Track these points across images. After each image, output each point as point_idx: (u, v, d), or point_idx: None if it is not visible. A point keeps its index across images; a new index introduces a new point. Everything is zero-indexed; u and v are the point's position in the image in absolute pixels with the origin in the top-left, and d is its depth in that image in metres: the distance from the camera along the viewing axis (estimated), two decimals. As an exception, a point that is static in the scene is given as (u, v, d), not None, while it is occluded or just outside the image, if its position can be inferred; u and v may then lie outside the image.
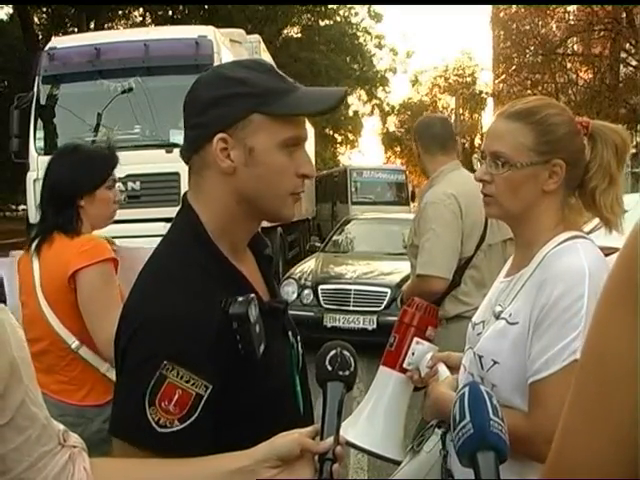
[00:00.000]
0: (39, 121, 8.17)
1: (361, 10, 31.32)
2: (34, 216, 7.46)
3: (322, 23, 28.74)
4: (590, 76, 22.51)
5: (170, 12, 23.78)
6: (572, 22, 21.84)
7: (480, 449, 0.86)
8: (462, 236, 2.96)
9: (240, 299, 1.10)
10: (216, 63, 7.75)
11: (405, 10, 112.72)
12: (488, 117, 41.55)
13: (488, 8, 29.43)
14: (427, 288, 2.91)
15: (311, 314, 7.10)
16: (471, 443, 0.87)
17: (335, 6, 28.65)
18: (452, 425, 0.92)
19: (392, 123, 47.84)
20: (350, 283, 7.38)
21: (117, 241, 2.37)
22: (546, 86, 23.34)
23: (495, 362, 1.36)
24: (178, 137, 7.78)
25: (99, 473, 0.92)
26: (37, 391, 0.82)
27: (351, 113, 37.72)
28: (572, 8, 22.04)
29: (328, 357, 1.09)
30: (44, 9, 22.90)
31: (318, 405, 1.13)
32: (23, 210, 15.47)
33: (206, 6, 22.56)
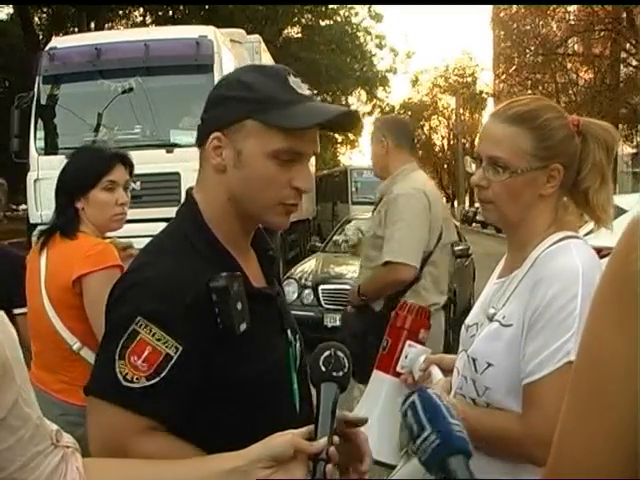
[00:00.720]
0: (39, 121, 8.14)
1: (361, 10, 31.28)
2: (34, 216, 7.47)
3: (322, 23, 28.64)
4: (590, 76, 22.52)
5: (170, 12, 23.74)
6: (572, 22, 21.83)
7: (449, 456, 0.84)
8: (429, 230, 3.00)
9: (224, 274, 1.14)
10: (216, 63, 7.77)
11: (405, 10, 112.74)
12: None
13: (488, 8, 29.48)
14: (395, 276, 2.92)
15: (311, 314, 7.07)
16: (439, 453, 0.84)
17: (335, 6, 28.57)
18: (410, 437, 0.88)
19: (392, 123, 47.77)
20: (350, 283, 7.35)
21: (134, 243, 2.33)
22: (547, 86, 23.36)
23: (489, 364, 1.35)
24: (178, 137, 7.79)
25: (92, 473, 0.92)
26: (30, 391, 0.82)
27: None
28: (572, 8, 22.04)
29: (322, 358, 1.09)
30: (44, 9, 22.87)
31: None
32: (23, 210, 15.45)
33: (206, 6, 22.51)
